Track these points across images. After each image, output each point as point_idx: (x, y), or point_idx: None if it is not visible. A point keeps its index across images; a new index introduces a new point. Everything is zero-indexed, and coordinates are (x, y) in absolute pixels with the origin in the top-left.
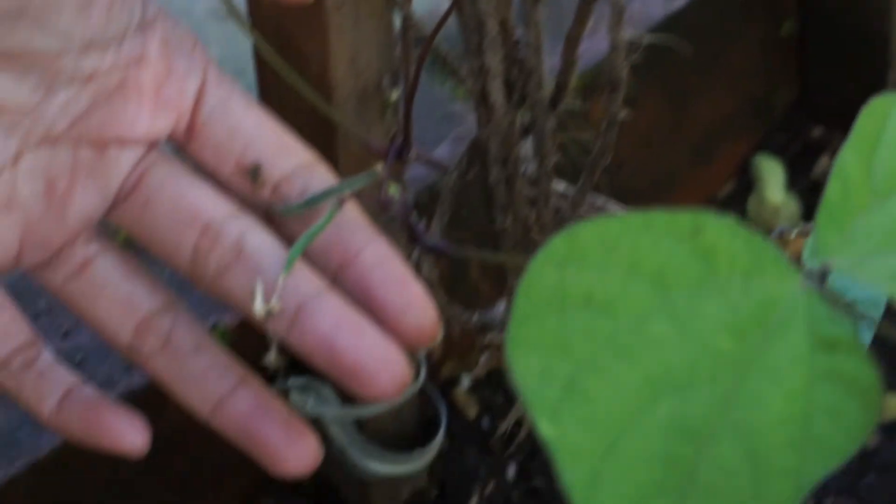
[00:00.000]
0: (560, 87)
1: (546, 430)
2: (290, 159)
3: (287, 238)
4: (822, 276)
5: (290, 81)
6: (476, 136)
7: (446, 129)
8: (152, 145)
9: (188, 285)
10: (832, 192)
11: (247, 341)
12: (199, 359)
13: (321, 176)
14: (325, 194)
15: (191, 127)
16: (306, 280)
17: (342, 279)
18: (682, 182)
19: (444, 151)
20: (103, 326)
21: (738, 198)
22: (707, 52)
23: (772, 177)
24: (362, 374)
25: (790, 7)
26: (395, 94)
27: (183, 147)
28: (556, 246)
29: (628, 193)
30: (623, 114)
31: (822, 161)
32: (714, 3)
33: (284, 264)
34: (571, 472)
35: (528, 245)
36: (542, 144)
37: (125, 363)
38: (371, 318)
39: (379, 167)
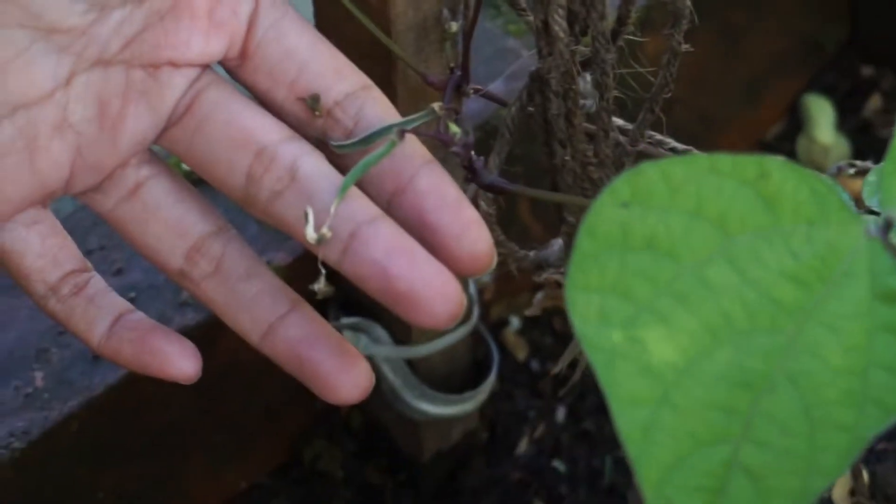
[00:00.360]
0: (621, 19)
1: (603, 374)
2: (344, 83)
3: (341, 164)
4: (887, 227)
5: (350, 12)
6: (536, 68)
7: (498, 66)
8: (205, 67)
9: (241, 222)
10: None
11: (300, 279)
12: (250, 284)
13: (376, 100)
14: (381, 131)
15: (244, 50)
16: (360, 206)
17: (396, 205)
18: (732, 121)
19: (498, 88)
20: (154, 251)
21: (787, 137)
22: None
23: (822, 116)
24: (416, 302)
25: None
26: (454, 28)
27: (235, 70)
28: (621, 186)
29: (678, 132)
30: (685, 47)
31: (873, 101)
32: None
33: (338, 190)
34: (626, 418)
35: (586, 181)
36: (604, 78)
37: (177, 301)
38: (426, 244)
39: (437, 104)
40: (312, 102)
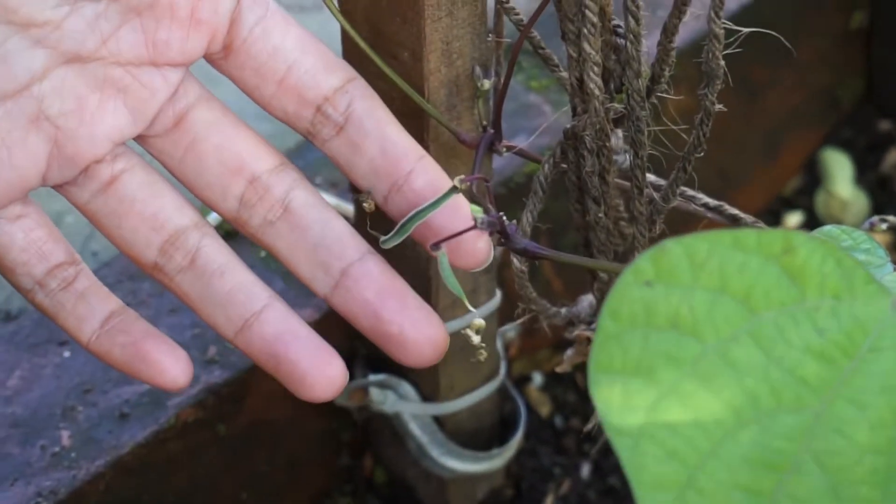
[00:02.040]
0: (655, 77)
1: (626, 459)
2: (332, 78)
3: (335, 160)
4: None
5: (381, 70)
6: (570, 125)
7: (520, 122)
8: (186, 67)
9: (268, 278)
10: None
11: (328, 334)
12: (225, 279)
13: (364, 94)
14: (412, 218)
15: (228, 45)
16: (351, 243)
17: (393, 202)
18: (751, 176)
19: (520, 144)
20: (130, 244)
21: (805, 192)
22: (777, 45)
23: (839, 171)
24: (405, 344)
25: (860, 0)
26: (486, 85)
27: (220, 64)
28: (644, 264)
29: (697, 187)
30: (718, 107)
31: (891, 155)
32: None
33: (329, 220)
34: (651, 503)
35: (618, 237)
36: (638, 135)
37: (203, 358)
38: (425, 241)
39: (458, 178)
40: (365, 197)
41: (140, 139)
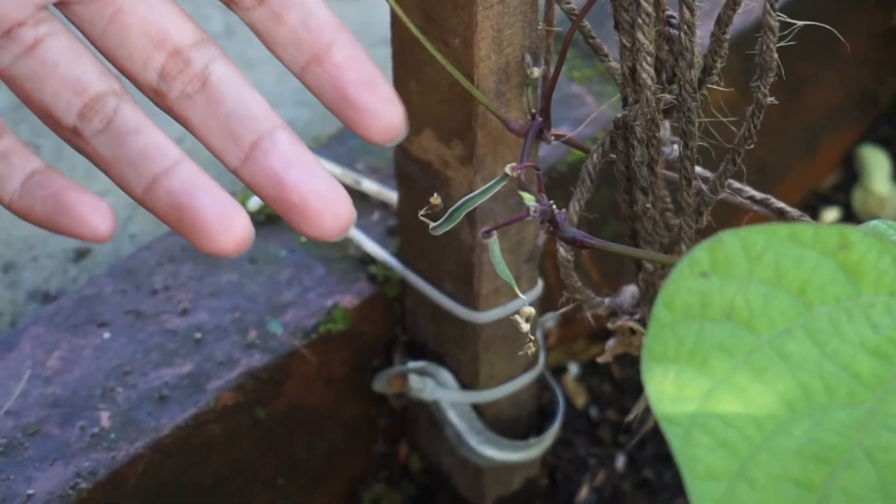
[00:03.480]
0: (707, 69)
1: (678, 448)
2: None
3: (256, 30)
4: None
5: (431, 56)
6: (621, 115)
7: (563, 111)
8: None
9: (308, 264)
10: None
11: (368, 320)
12: (140, 137)
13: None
14: (463, 205)
15: None
16: (263, 115)
17: (311, 74)
18: (789, 170)
19: (564, 133)
20: (49, 109)
21: (842, 188)
22: (818, 41)
23: (877, 168)
24: (307, 214)
25: None
26: (535, 73)
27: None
28: (700, 255)
29: (744, 180)
30: (770, 99)
31: None
32: None
33: (245, 95)
34: (701, 493)
35: (664, 227)
36: (689, 126)
37: (244, 342)
38: (342, 116)
39: (509, 166)
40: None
41: (62, 6)
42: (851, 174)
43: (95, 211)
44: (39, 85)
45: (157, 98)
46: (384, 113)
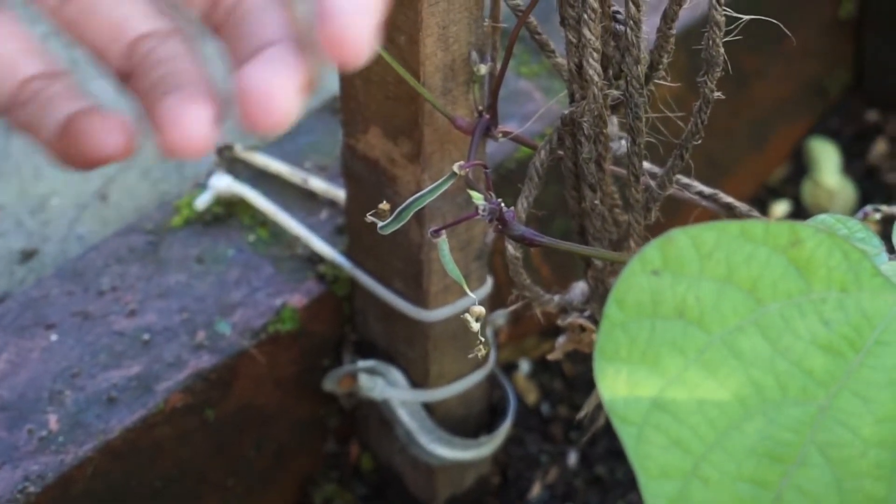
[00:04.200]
0: (654, 64)
1: (631, 447)
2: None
3: None
4: None
5: (377, 52)
6: (568, 111)
7: (511, 108)
8: None
9: (256, 263)
10: None
11: (316, 320)
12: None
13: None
14: (411, 204)
15: None
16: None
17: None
18: (738, 164)
19: (512, 130)
20: (96, 49)
21: (791, 181)
22: (766, 34)
23: (826, 160)
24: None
25: None
26: (482, 70)
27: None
28: (651, 253)
29: (692, 175)
30: (717, 94)
31: (878, 145)
32: None
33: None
34: (654, 491)
35: (613, 224)
36: (636, 122)
37: (192, 343)
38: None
39: (457, 165)
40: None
41: None
42: (801, 167)
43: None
44: (86, 24)
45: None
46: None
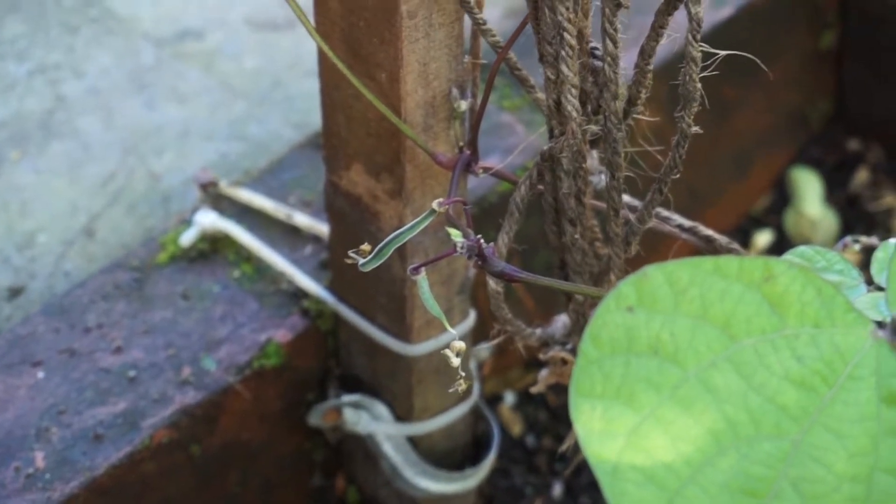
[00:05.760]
0: (632, 99)
1: (606, 484)
2: None
3: None
4: (895, 329)
5: (358, 91)
6: (547, 147)
7: (493, 141)
8: None
9: (241, 299)
10: None
11: (302, 355)
12: None
13: None
14: (390, 241)
15: None
16: None
17: None
18: (721, 195)
19: (494, 163)
20: None
21: (774, 210)
22: (745, 66)
23: (809, 190)
24: None
25: (830, 20)
26: (462, 106)
27: None
28: (626, 290)
29: (672, 208)
30: (695, 128)
31: (860, 174)
32: (755, 16)
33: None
34: None
35: (594, 257)
36: (615, 157)
37: (178, 379)
38: None
39: (437, 202)
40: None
41: None
42: (783, 197)
43: None
44: None
45: None
46: None
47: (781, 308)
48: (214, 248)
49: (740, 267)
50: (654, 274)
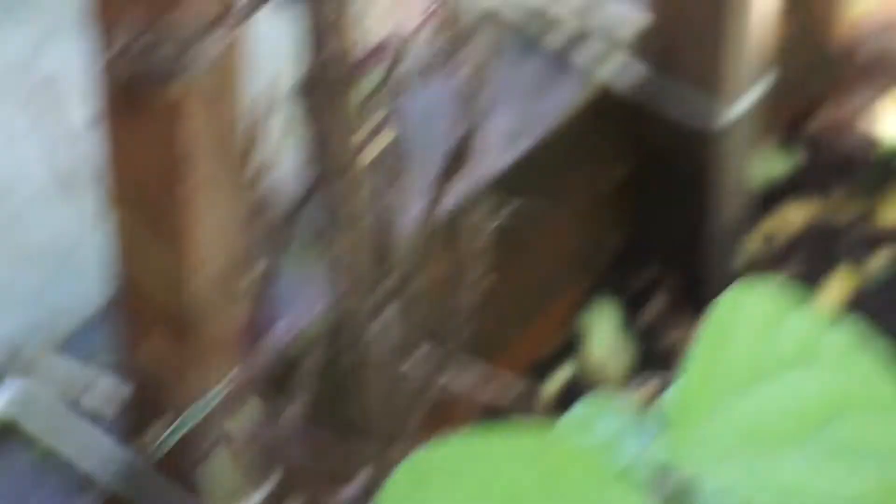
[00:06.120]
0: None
1: None
2: None
3: None
4: (669, 485)
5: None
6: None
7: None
8: None
9: None
10: (683, 389)
11: None
12: None
13: None
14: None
15: None
16: None
17: None
18: (512, 337)
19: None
20: None
21: (568, 350)
22: (529, 212)
23: (603, 325)
24: None
25: (621, 152)
26: (253, 275)
27: None
28: (401, 477)
29: (462, 354)
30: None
31: (657, 301)
32: (548, 149)
33: None
34: None
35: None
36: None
37: None
38: None
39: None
40: None
41: None
42: (577, 334)
43: None
44: None
45: None
46: None
47: (557, 480)
48: None
49: (513, 444)
50: (429, 456)
